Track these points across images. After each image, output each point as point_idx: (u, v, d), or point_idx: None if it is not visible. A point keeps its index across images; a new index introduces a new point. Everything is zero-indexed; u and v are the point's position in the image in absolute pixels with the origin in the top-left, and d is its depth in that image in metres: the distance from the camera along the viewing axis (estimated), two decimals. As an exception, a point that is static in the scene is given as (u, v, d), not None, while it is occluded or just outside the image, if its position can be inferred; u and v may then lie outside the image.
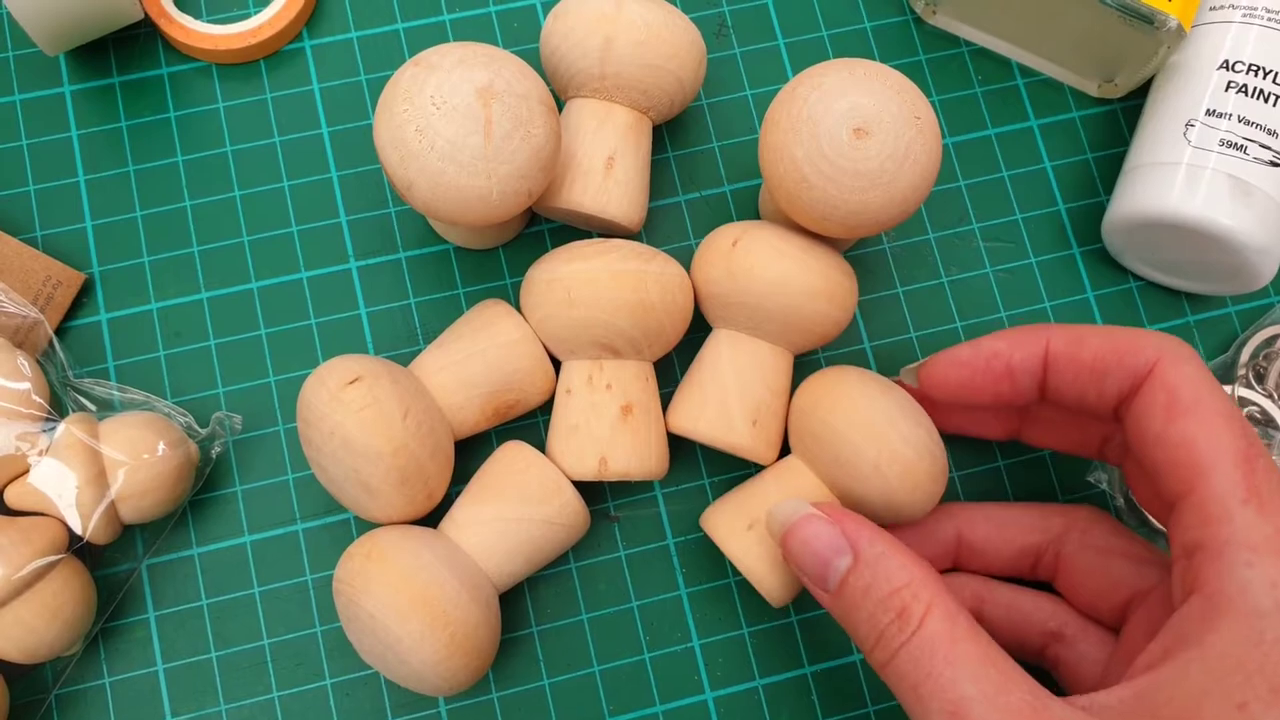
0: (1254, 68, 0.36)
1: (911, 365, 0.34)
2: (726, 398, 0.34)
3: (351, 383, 0.31)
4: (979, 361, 0.32)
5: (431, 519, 0.36)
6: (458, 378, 0.34)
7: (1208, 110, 0.36)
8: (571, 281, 0.33)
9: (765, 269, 0.33)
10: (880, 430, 0.32)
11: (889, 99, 0.31)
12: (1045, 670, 0.34)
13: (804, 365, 0.39)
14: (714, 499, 0.37)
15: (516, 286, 0.39)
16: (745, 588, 0.37)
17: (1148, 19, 0.36)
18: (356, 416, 0.31)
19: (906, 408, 0.32)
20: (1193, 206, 0.35)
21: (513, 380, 0.35)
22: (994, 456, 0.38)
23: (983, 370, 0.32)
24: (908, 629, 0.26)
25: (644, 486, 0.38)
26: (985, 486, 0.38)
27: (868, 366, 0.39)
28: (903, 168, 0.31)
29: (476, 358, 0.34)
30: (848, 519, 0.29)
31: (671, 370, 0.38)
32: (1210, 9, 0.37)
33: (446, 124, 0.30)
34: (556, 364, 0.36)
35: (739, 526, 0.34)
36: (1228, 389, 0.39)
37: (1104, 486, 0.38)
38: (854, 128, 0.31)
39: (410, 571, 0.31)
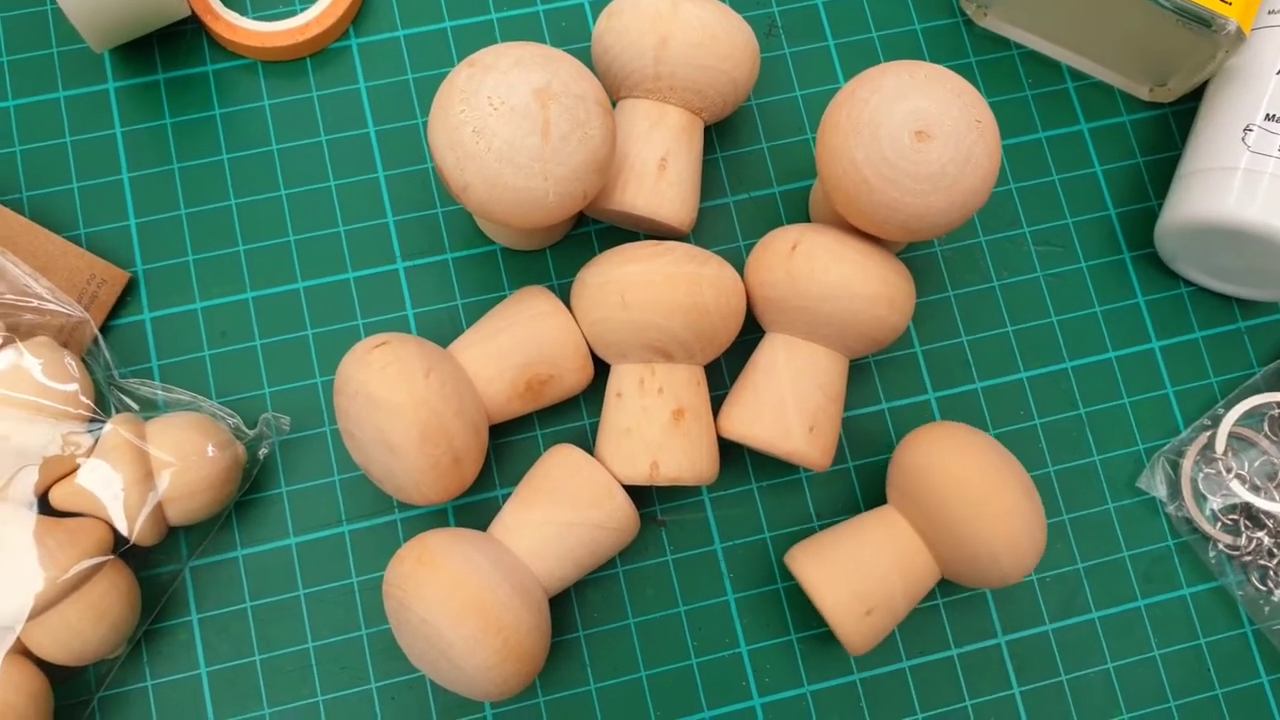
0: (1313, 72, 0.36)
1: None
2: (783, 403, 0.34)
3: (378, 346, 0.32)
4: None
5: (481, 522, 0.36)
6: (488, 351, 0.34)
7: (1267, 115, 0.36)
8: (625, 284, 0.33)
9: (826, 273, 0.33)
10: (997, 517, 0.31)
11: (950, 102, 0.31)
12: None
13: (854, 370, 0.38)
14: (762, 504, 0.37)
15: (564, 288, 0.38)
16: (794, 593, 0.37)
17: (1206, 22, 0.36)
18: (380, 374, 0.31)
19: (1021, 480, 0.32)
20: (1251, 211, 0.35)
21: (545, 352, 0.34)
22: (1044, 461, 0.38)
23: None
24: None
25: (691, 491, 0.37)
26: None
27: (918, 369, 0.38)
28: (964, 171, 0.31)
29: (506, 331, 0.34)
30: None
31: (719, 374, 0.38)
32: (1269, 12, 0.37)
33: (504, 125, 0.30)
34: (605, 367, 0.36)
35: (852, 606, 0.33)
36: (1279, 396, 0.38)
37: (1154, 493, 0.38)
38: (916, 130, 0.30)
39: (463, 576, 0.31)
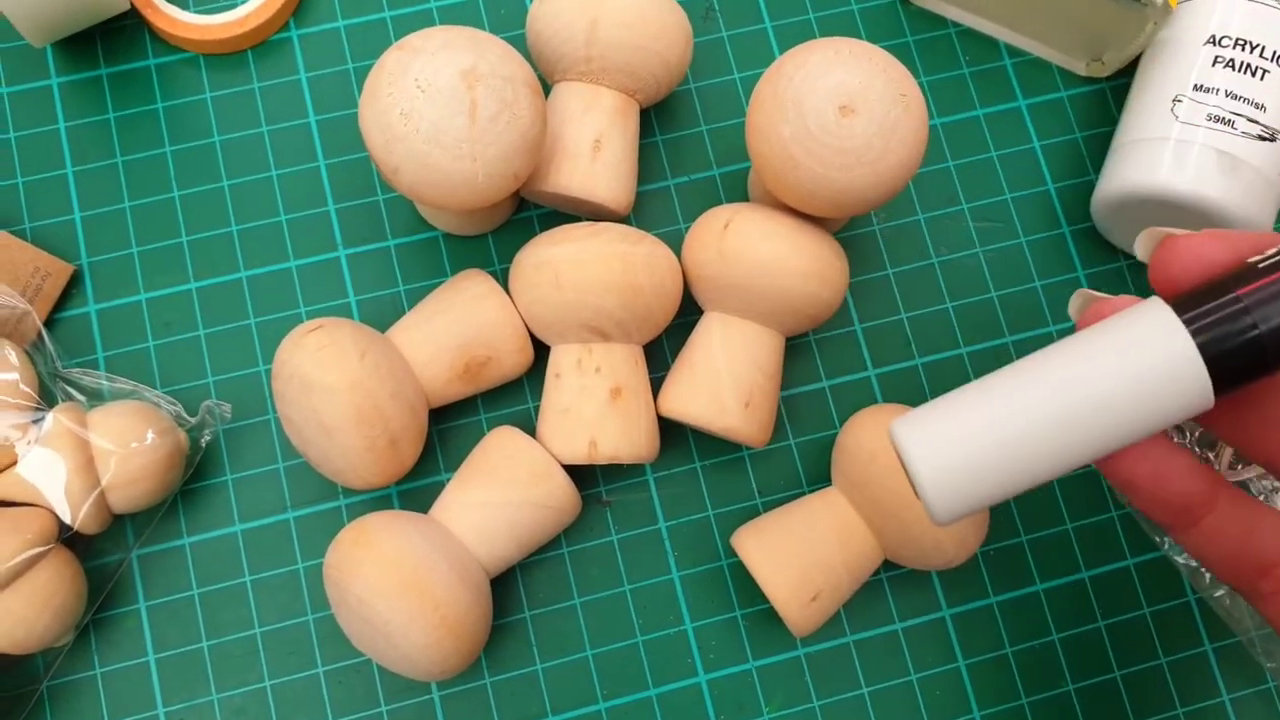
0: (1241, 42, 0.36)
1: (1082, 293, 0.23)
2: (719, 380, 0.34)
3: (313, 330, 0.32)
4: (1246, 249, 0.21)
5: (425, 507, 0.36)
6: (425, 333, 0.34)
7: (1195, 85, 0.36)
8: (559, 264, 0.33)
9: (756, 250, 0.33)
10: None
11: (874, 76, 0.31)
12: None
13: (794, 348, 0.39)
14: (705, 483, 0.37)
15: (505, 272, 0.39)
16: (738, 570, 0.37)
17: (1134, -5, 0.36)
18: (314, 356, 0.31)
19: None
20: (1181, 181, 0.35)
21: (482, 334, 0.35)
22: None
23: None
24: None
25: (635, 471, 0.37)
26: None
27: (857, 347, 0.39)
28: (889, 144, 0.31)
29: (443, 314, 0.35)
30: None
31: (662, 354, 0.38)
32: (1196, -16, 0.37)
33: (431, 107, 0.30)
34: (547, 350, 0.36)
35: (798, 593, 0.33)
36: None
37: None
38: (840, 105, 0.31)
39: (399, 555, 0.31)
